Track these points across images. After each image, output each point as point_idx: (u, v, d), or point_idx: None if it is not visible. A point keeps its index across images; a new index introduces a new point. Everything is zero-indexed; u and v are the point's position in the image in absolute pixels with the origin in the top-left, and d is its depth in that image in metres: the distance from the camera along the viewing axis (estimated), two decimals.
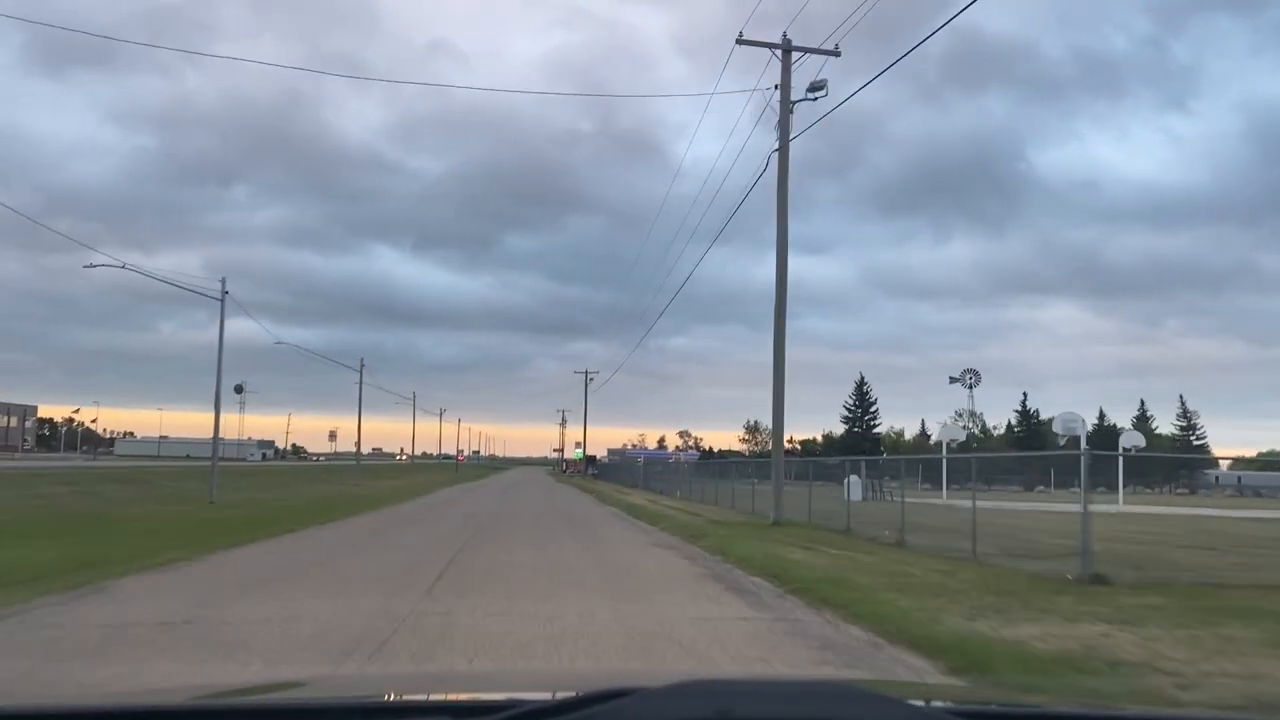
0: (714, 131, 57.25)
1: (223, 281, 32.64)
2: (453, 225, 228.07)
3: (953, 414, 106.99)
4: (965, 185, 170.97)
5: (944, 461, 42.54)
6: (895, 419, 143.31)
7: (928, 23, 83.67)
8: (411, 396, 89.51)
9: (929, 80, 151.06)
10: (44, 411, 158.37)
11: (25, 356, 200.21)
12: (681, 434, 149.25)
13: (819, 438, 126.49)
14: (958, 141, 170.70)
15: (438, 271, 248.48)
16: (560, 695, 1.62)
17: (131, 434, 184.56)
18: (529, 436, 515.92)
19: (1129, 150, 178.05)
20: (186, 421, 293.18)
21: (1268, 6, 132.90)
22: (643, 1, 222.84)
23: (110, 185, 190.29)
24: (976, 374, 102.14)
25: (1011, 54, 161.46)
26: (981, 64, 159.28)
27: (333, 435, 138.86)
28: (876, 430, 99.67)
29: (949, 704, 1.82)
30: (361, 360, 56.26)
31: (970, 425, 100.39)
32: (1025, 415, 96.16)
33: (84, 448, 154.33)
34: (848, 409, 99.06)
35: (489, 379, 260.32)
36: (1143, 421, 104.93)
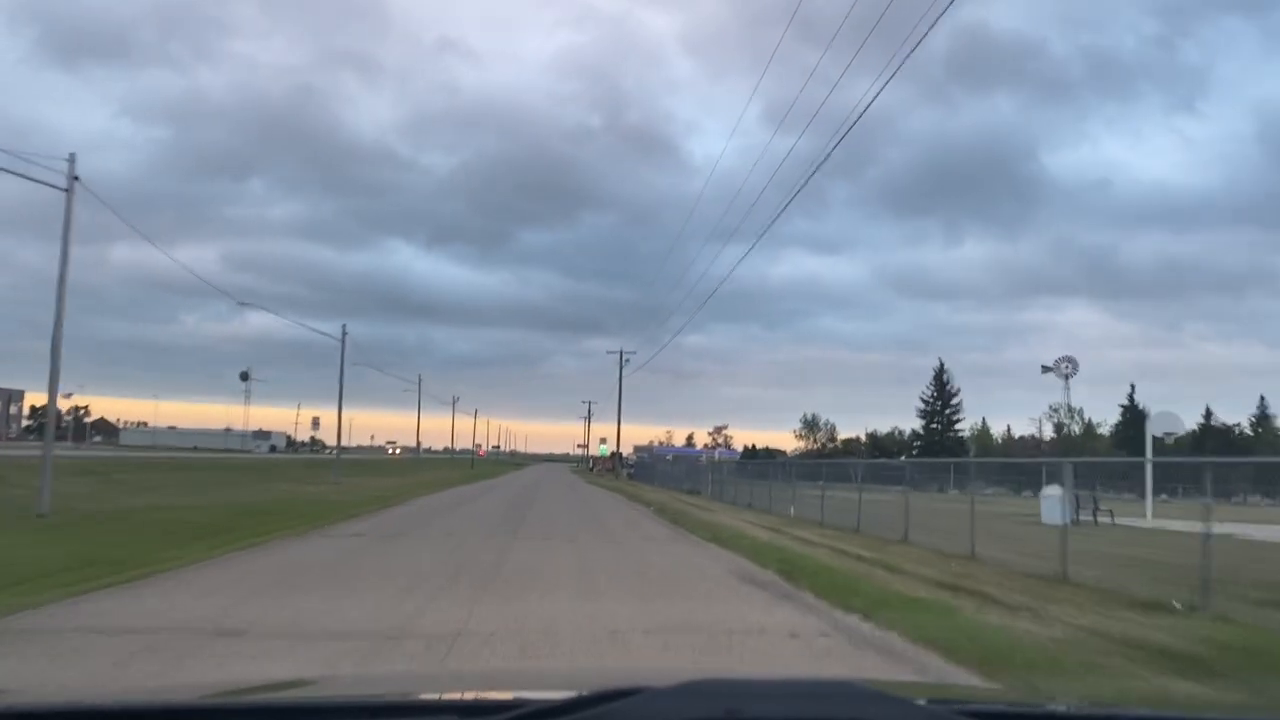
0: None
1: (70, 160, 20.45)
2: (466, 221, 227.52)
3: (1047, 408, 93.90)
4: (979, 186, 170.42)
5: (1148, 465, 29.61)
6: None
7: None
8: (417, 380, 77.93)
9: (939, 81, 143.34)
10: (41, 399, 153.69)
11: (41, 345, 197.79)
12: (714, 431, 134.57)
13: (862, 436, 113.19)
14: (971, 143, 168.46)
15: (453, 266, 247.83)
16: (568, 694, 1.57)
17: (145, 424, 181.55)
18: (550, 433, 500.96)
19: (1144, 152, 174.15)
20: (194, 412, 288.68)
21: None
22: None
23: (127, 178, 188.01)
24: (1073, 362, 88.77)
25: (1025, 54, 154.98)
26: (993, 64, 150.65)
27: (315, 423, 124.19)
28: (959, 426, 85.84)
29: (957, 704, 1.79)
30: (344, 327, 44.12)
31: (1068, 421, 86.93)
32: (1132, 411, 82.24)
33: (92, 437, 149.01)
34: (925, 401, 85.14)
35: (507, 374, 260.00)
36: (1264, 420, 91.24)
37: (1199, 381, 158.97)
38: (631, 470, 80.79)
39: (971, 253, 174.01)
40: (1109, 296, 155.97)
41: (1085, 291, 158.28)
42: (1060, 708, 2.06)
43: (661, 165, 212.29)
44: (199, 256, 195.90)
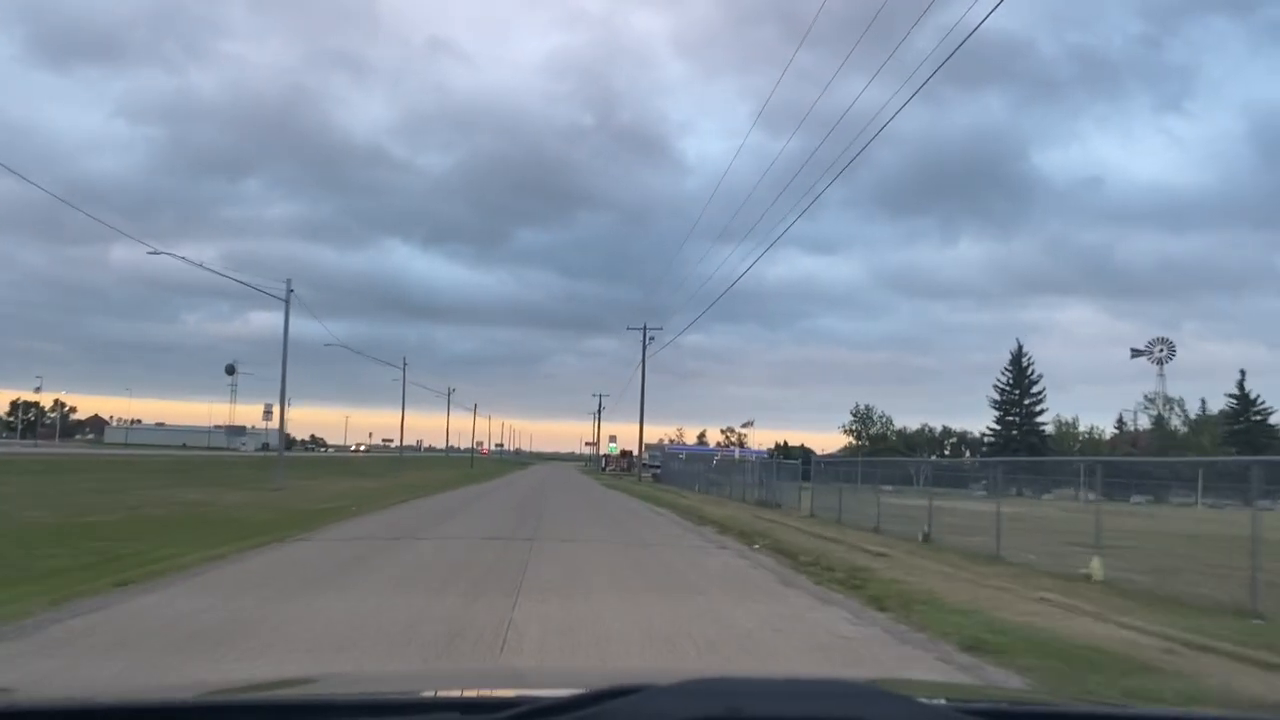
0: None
1: None
2: (463, 220, 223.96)
3: (1141, 398, 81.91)
4: (975, 186, 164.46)
5: None
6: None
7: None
8: (402, 363, 67.45)
9: (939, 86, 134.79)
10: (13, 395, 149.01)
11: (41, 344, 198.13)
12: (727, 429, 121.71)
13: (892, 434, 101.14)
14: (967, 143, 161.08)
15: (450, 266, 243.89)
16: (569, 692, 1.55)
17: (139, 421, 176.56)
18: (554, 431, 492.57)
19: (1138, 151, 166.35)
20: (194, 410, 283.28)
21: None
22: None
23: (123, 179, 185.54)
24: (1169, 344, 77.02)
25: (1019, 54, 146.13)
26: (988, 65, 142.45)
27: (268, 412, 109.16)
28: (1041, 419, 73.50)
29: (960, 702, 1.75)
30: (288, 283, 33.15)
31: (1164, 411, 75.32)
32: (1244, 400, 70.47)
33: (86, 434, 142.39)
34: (1000, 389, 73.15)
35: (509, 373, 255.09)
36: None
37: (1199, 379, 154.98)
38: (657, 471, 69.02)
39: (968, 253, 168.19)
40: (1105, 296, 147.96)
41: (1084, 291, 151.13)
42: (1062, 706, 2.09)
43: (657, 165, 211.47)
44: (199, 254, 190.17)
